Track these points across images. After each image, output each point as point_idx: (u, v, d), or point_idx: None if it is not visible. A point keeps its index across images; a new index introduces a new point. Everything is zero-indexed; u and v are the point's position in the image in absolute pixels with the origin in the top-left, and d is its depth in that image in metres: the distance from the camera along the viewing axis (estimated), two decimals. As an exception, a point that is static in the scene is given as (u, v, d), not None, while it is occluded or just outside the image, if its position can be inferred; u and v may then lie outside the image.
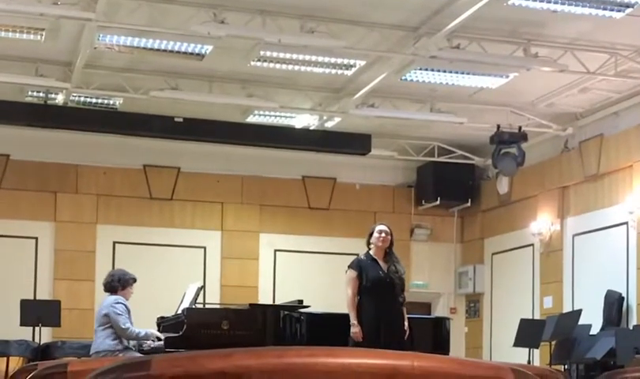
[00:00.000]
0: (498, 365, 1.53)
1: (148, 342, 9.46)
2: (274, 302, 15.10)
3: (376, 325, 8.89)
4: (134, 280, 9.48)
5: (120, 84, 12.85)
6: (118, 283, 9.31)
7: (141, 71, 12.65)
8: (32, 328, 12.86)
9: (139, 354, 9.29)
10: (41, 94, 13.34)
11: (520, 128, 13.80)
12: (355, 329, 8.86)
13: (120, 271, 9.73)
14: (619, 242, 13.19)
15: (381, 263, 9.05)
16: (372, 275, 8.96)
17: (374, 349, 1.56)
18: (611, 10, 10.08)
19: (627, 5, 9.96)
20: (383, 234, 9.07)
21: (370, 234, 9.16)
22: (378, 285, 8.94)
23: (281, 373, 1.34)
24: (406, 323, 9.07)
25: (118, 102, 13.76)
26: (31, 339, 13.04)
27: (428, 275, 17.00)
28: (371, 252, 9.11)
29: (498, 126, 13.75)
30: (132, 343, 9.47)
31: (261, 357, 1.36)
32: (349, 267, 9.14)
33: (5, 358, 12.88)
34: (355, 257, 9.46)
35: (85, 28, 10.71)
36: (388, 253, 9.12)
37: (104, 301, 9.31)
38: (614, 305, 13.00)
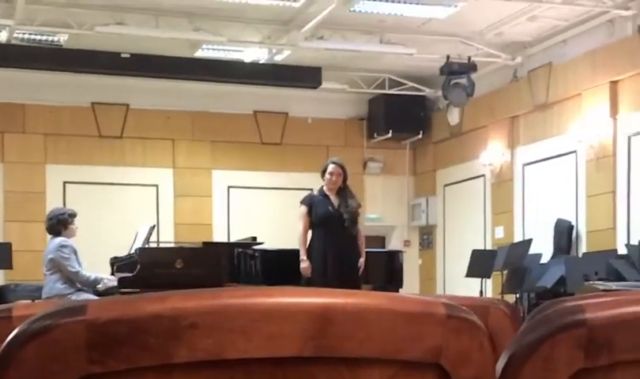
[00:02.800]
0: (430, 300, 1.53)
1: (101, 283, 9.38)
2: (229, 239, 15.10)
3: (323, 261, 8.96)
4: (74, 216, 9.31)
5: (64, 19, 12.59)
6: (59, 225, 9.16)
7: (85, 6, 12.37)
8: (-18, 271, 12.80)
9: (92, 296, 9.24)
10: (-17, 32, 13.05)
11: (469, 58, 13.80)
12: (303, 265, 8.95)
13: (57, 211, 9.50)
14: (569, 171, 13.33)
15: (332, 198, 9.10)
16: (321, 210, 9.03)
17: (313, 287, 1.55)
18: (559, -62, 10.05)
19: None
20: (334, 177, 9.10)
21: (324, 170, 9.18)
22: (326, 221, 9.01)
23: (217, 315, 1.33)
24: (362, 258, 9.12)
25: (63, 38, 13.51)
26: (-18, 283, 12.96)
27: (382, 208, 17.09)
28: (325, 187, 9.17)
29: (448, 57, 13.73)
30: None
31: (197, 299, 1.35)
32: (301, 203, 9.23)
33: (-44, 302, 12.79)
34: (309, 191, 9.51)
35: (26, -36, 10.45)
36: (342, 189, 9.15)
37: (49, 244, 9.17)
38: (564, 233, 13.18)
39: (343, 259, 8.98)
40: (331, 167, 9.17)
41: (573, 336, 1.42)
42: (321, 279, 8.75)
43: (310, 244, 9.12)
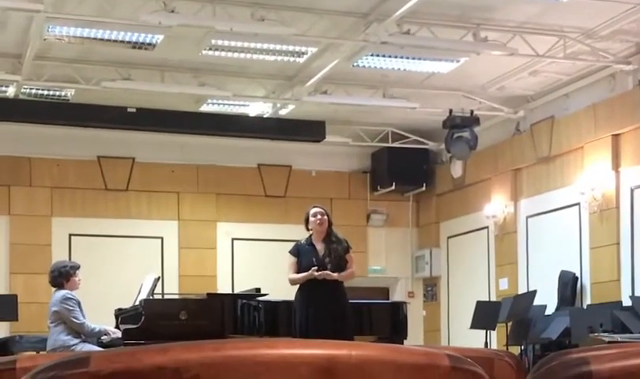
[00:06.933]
0: (434, 352, 1.57)
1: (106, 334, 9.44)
2: (232, 290, 15.11)
3: (306, 316, 8.85)
4: (76, 268, 9.39)
5: (71, 75, 12.75)
6: (61, 277, 9.24)
7: (91, 62, 12.55)
8: (-12, 323, 12.82)
9: (96, 347, 9.28)
10: (-9, 87, 13.21)
11: (472, 112, 13.90)
12: (314, 273, 8.77)
13: (59, 263, 9.62)
14: (572, 223, 13.37)
15: (319, 247, 9.01)
16: (305, 262, 8.94)
17: (313, 339, 1.59)
18: (559, -7, 10.21)
19: (575, -11, 10.09)
20: (318, 216, 9.01)
21: (307, 220, 9.09)
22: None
23: (220, 366, 1.36)
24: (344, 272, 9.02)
25: (69, 93, 13.66)
26: (-13, 335, 12.98)
27: (385, 259, 17.12)
28: (312, 236, 9.08)
29: (451, 111, 13.84)
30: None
31: (200, 350, 1.38)
32: (289, 252, 9.14)
33: (-39, 354, 12.79)
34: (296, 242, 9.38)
35: (34, 20, 10.60)
36: (328, 234, 9.07)
37: (53, 296, 9.26)
38: (568, 285, 13.18)
39: (326, 312, 8.83)
40: (314, 210, 9.10)
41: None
42: (304, 334, 8.67)
43: (295, 295, 9.05)
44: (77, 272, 9.38)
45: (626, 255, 12.39)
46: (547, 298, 12.85)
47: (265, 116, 14.60)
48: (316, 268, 8.82)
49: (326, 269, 8.89)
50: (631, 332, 10.00)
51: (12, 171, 14.99)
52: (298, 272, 8.96)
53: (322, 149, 15.97)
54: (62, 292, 9.14)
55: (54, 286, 9.35)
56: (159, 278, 10.72)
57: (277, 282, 13.63)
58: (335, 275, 8.89)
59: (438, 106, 14.07)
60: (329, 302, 8.86)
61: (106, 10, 10.46)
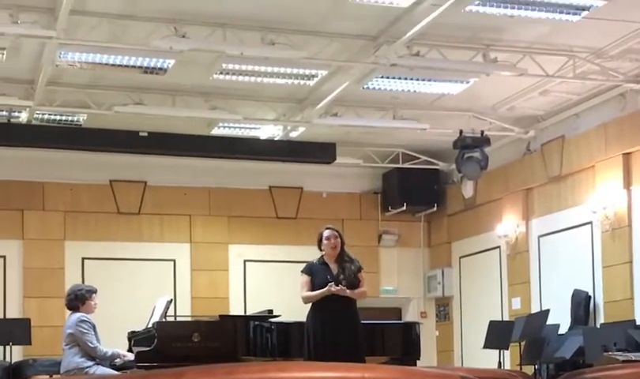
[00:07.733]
0: (447, 373, 1.60)
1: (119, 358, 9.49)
2: (245, 312, 15.13)
3: (322, 334, 8.86)
4: (93, 292, 9.47)
5: (83, 100, 12.84)
6: (77, 300, 9.33)
7: (103, 87, 12.63)
8: (2, 347, 12.84)
9: (109, 370, 9.32)
10: (4, 113, 13.28)
11: (482, 132, 13.92)
12: (331, 288, 8.79)
13: (75, 287, 9.71)
14: (584, 242, 13.35)
15: (332, 266, 9.04)
16: (319, 281, 8.94)
17: (325, 362, 1.62)
18: (568, 14, 10.22)
19: (583, 9, 10.10)
20: (332, 240, 9.05)
21: (320, 240, 9.14)
22: None
23: None
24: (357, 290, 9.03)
25: (82, 118, 13.75)
26: (1, 359, 13.00)
27: (397, 280, 17.12)
28: (325, 256, 9.11)
29: (461, 131, 13.86)
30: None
31: (213, 374, 1.41)
32: (302, 271, 9.14)
33: (-25, 379, 12.83)
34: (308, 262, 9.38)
35: (46, 46, 10.69)
36: (340, 255, 9.09)
37: (68, 319, 9.34)
38: (581, 304, 13.15)
39: (340, 329, 8.86)
40: (327, 232, 9.13)
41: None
42: (320, 353, 8.68)
43: (308, 315, 9.07)
44: (94, 295, 9.48)
45: (639, 273, 12.37)
46: (560, 317, 12.83)
47: (276, 139, 14.65)
48: (332, 283, 8.86)
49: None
50: (645, 351, 9.97)
51: (25, 196, 15.08)
52: (311, 291, 8.99)
53: (333, 171, 16.01)
54: (78, 315, 9.23)
55: (69, 308, 9.45)
56: (171, 300, 10.74)
57: (290, 303, 13.63)
58: (348, 291, 8.93)
59: (448, 127, 14.10)
60: (343, 320, 8.88)
61: (117, 36, 10.54)
